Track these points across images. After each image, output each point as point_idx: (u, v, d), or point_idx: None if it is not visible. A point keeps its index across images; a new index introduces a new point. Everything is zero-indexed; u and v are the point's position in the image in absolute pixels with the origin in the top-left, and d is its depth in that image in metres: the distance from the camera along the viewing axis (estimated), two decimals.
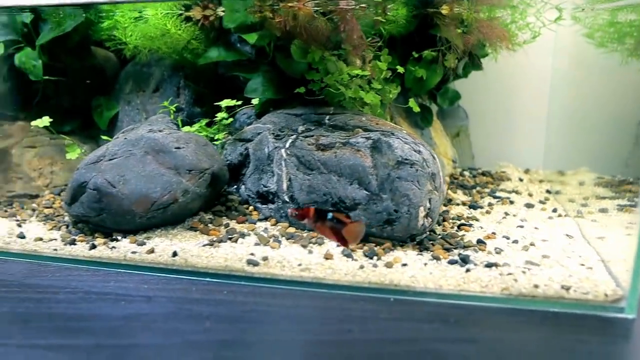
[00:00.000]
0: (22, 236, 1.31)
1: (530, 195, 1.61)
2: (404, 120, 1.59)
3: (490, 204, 1.51)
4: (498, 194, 1.60)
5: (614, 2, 1.39)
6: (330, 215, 1.06)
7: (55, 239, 1.29)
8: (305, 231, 1.27)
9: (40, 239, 1.29)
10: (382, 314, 1.02)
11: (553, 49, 1.71)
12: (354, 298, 1.08)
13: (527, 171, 1.84)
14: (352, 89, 1.33)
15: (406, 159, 1.21)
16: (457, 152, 1.77)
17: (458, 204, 1.49)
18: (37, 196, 1.53)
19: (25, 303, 1.06)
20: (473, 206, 1.48)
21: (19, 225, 1.37)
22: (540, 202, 1.55)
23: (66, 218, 1.40)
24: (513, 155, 1.88)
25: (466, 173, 1.76)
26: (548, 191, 1.66)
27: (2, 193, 1.52)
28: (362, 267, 1.12)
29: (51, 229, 1.35)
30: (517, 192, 1.63)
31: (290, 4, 1.19)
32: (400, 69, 1.40)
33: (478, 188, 1.64)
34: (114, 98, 1.64)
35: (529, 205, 1.51)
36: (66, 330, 0.97)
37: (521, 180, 1.74)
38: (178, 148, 1.27)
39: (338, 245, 1.19)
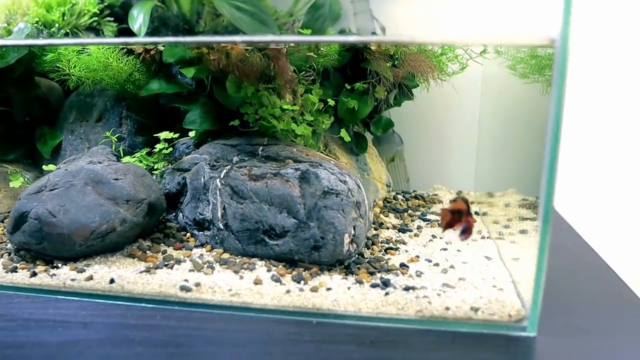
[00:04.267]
0: None
1: None
2: (339, 148, 1.67)
3: (419, 227, 1.61)
4: (428, 216, 1.69)
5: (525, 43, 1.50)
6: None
7: None
8: (239, 257, 1.34)
9: None
10: (304, 336, 1.10)
11: (481, 79, 1.83)
12: (280, 321, 1.15)
13: (458, 193, 1.94)
14: (285, 121, 1.42)
15: (332, 189, 1.29)
16: (393, 176, 1.87)
17: (388, 228, 1.58)
18: None
19: None
20: (402, 229, 1.57)
21: None
22: None
23: (9, 245, 1.44)
24: (447, 177, 1.99)
25: (399, 197, 1.85)
26: (476, 213, 1.76)
27: None
28: (288, 291, 1.20)
29: None
30: None
31: (223, 45, 1.27)
32: (331, 102, 1.49)
33: (410, 211, 1.73)
34: (58, 127, 1.69)
35: None
36: (3, 359, 1.01)
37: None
38: (116, 179, 1.33)
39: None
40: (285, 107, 1.38)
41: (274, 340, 1.08)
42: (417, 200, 1.83)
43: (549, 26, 1.17)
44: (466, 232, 1.25)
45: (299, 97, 1.39)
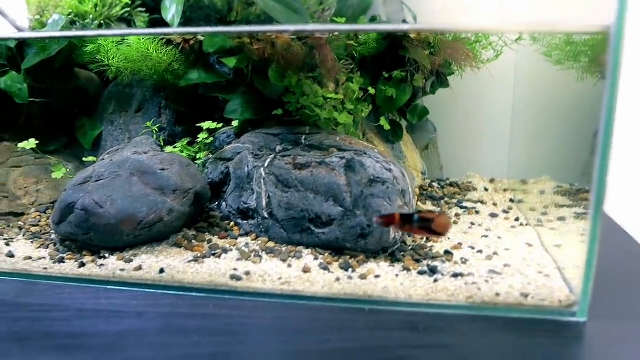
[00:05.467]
0: (11, 255, 1.35)
1: (494, 204, 1.72)
2: (375, 136, 1.68)
3: (457, 215, 1.61)
4: (465, 204, 1.70)
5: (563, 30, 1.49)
6: (416, 217, 1.16)
7: (44, 258, 1.34)
8: (284, 245, 1.35)
9: (30, 258, 1.34)
10: (357, 323, 1.10)
11: (515, 66, 1.82)
12: (332, 309, 1.16)
13: (492, 181, 1.94)
14: (327, 110, 1.42)
15: (378, 177, 1.29)
16: (427, 164, 1.87)
17: None
18: (22, 214, 1.58)
19: (20, 322, 1.11)
20: None
21: (7, 244, 1.41)
22: (504, 211, 1.66)
23: (53, 236, 1.45)
24: (480, 165, 1.99)
25: (435, 184, 1.86)
26: (512, 200, 1.76)
27: None
28: (338, 279, 1.21)
29: (39, 247, 1.40)
30: (482, 202, 1.73)
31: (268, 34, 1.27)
32: (372, 90, 1.49)
33: (446, 199, 1.73)
34: (97, 118, 1.70)
35: (494, 215, 1.61)
36: (63, 348, 1.02)
37: (486, 190, 1.84)
38: (163, 169, 1.34)
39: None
40: (329, 95, 1.38)
41: (328, 328, 1.09)
42: (452, 188, 1.83)
43: (598, 12, 1.17)
44: (385, 222, 1.22)
45: (340, 86, 1.39)
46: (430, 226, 1.17)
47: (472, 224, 1.55)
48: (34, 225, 1.52)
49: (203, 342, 1.04)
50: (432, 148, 1.92)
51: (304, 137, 1.44)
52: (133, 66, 1.55)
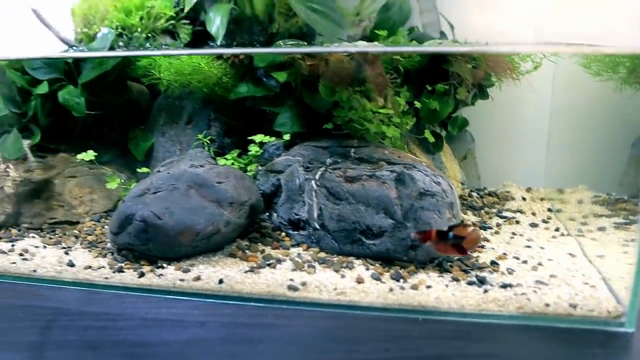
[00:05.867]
0: (71, 264, 1.41)
1: (533, 214, 1.75)
2: (417, 147, 1.72)
3: (498, 224, 1.64)
4: (504, 213, 1.73)
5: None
6: (451, 235, 1.20)
7: (104, 267, 1.39)
8: (335, 256, 1.39)
9: (90, 267, 1.39)
10: (413, 332, 1.15)
11: (553, 77, 1.85)
12: (387, 319, 1.20)
13: (528, 190, 1.97)
14: (375, 123, 1.46)
15: (427, 191, 1.34)
16: (465, 174, 1.91)
17: (469, 226, 1.62)
18: (77, 223, 1.64)
19: (90, 331, 1.16)
20: (483, 227, 1.61)
21: (66, 253, 1.47)
22: (544, 221, 1.69)
23: (109, 245, 1.50)
24: (516, 174, 2.02)
25: (474, 194, 1.89)
26: (549, 209, 1.80)
27: (44, 220, 1.62)
28: (391, 289, 1.25)
29: (97, 256, 1.45)
30: (521, 212, 1.76)
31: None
32: (418, 104, 1.54)
33: (486, 209, 1.77)
34: (148, 130, 1.76)
35: (534, 225, 1.65)
36: (134, 357, 1.07)
37: (524, 199, 1.88)
38: (219, 182, 1.40)
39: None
40: (379, 110, 1.43)
41: (386, 337, 1.13)
42: (491, 198, 1.86)
43: None
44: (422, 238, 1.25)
45: (388, 101, 1.43)
46: (460, 243, 1.22)
47: (514, 233, 1.58)
48: (89, 234, 1.57)
49: (270, 351, 1.09)
50: (470, 158, 1.95)
51: (352, 150, 1.49)
52: (184, 79, 1.60)
